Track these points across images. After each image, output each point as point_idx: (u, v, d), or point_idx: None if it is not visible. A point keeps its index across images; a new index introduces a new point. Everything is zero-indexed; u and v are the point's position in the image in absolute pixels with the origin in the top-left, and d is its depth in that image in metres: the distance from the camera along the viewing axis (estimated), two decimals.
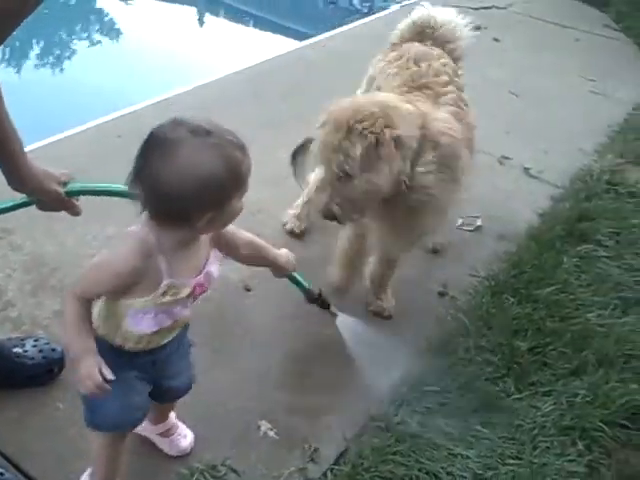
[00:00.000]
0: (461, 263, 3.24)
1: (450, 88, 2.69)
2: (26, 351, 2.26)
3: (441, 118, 2.46)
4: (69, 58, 6.23)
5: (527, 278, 3.12)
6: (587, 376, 2.70)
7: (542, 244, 3.36)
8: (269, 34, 7.12)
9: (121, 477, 1.97)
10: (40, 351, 2.25)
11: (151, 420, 2.12)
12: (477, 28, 5.52)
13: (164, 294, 1.62)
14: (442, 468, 2.30)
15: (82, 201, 1.97)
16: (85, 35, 6.90)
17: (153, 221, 1.58)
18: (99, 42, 6.62)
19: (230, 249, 1.83)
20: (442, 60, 2.81)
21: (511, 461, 2.36)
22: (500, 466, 2.34)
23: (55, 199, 1.85)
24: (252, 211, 3.25)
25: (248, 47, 6.25)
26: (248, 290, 2.84)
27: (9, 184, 1.77)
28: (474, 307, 2.96)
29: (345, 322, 2.41)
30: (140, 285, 1.60)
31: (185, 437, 2.17)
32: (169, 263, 1.60)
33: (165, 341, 1.78)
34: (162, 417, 2.13)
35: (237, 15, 7.48)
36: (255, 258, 1.96)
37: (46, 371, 2.22)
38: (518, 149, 4.24)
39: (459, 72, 2.95)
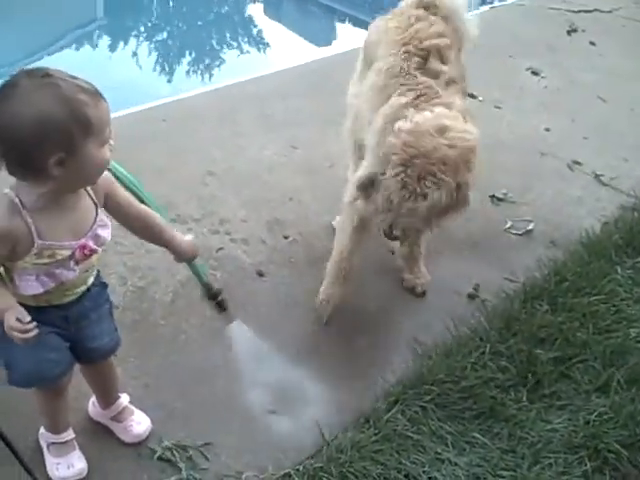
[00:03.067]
0: (500, 267, 3.05)
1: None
2: None
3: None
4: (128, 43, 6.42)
5: (567, 286, 2.89)
6: (613, 394, 2.47)
7: (593, 252, 3.12)
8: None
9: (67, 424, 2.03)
10: None
11: (99, 404, 2.13)
12: (572, 30, 5.30)
13: (39, 256, 1.62)
14: (424, 472, 2.16)
15: None
16: (149, 21, 7.14)
17: (15, 178, 1.58)
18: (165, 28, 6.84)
19: (119, 217, 1.82)
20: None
21: (504, 473, 2.20)
22: (490, 477, 2.17)
23: None
24: (284, 198, 3.21)
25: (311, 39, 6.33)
26: (261, 275, 2.79)
27: None
28: (501, 312, 2.78)
29: (240, 330, 2.20)
30: (17, 247, 1.60)
31: (140, 423, 2.13)
32: (39, 223, 1.60)
33: (68, 299, 1.78)
34: (108, 399, 2.12)
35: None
36: (149, 234, 1.90)
37: None
38: (593, 155, 3.97)
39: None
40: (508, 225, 3.33)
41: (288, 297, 2.72)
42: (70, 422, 2.04)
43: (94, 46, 6.29)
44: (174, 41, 6.89)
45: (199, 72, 6.15)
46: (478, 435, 2.29)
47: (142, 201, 1.91)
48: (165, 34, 6.98)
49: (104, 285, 1.93)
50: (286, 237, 2.99)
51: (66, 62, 5.67)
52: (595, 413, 2.38)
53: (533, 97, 4.48)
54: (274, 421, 2.28)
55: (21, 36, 5.77)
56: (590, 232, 3.27)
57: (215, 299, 2.13)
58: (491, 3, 5.99)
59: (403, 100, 2.39)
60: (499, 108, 4.29)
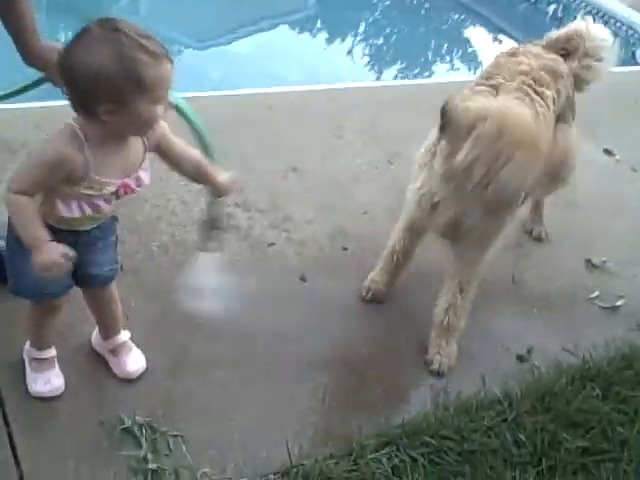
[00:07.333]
0: (566, 335, 2.78)
1: (520, 78, 2.49)
2: None
3: None
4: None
5: (629, 376, 2.60)
6: None
7: None
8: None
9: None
10: None
11: (100, 333, 2.23)
12: None
13: (88, 187, 1.75)
14: None
15: None
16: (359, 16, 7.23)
17: (76, 112, 1.72)
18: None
19: (172, 164, 1.95)
20: (544, 60, 2.64)
21: None
22: None
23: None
24: (359, 210, 3.12)
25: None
26: (303, 280, 2.71)
27: (23, 60, 1.93)
28: (545, 383, 2.53)
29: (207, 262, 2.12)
30: (72, 175, 1.72)
31: (135, 362, 2.22)
32: (94, 158, 1.72)
33: (88, 227, 1.89)
34: (107, 330, 2.21)
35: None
36: (195, 176, 2.00)
37: None
38: None
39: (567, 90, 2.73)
40: (594, 295, 3.04)
41: (326, 310, 2.63)
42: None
43: (300, 33, 6.51)
44: (380, 38, 6.98)
45: (382, 66, 6.26)
46: None
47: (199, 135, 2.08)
48: (371, 30, 7.08)
49: (115, 218, 2.03)
50: (345, 248, 2.89)
51: (263, 44, 6.04)
52: None
53: None
54: (255, 425, 2.20)
55: (226, 14, 6.13)
56: None
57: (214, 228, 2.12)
58: None
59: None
60: (635, 171, 3.94)
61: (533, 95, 2.44)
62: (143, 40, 1.64)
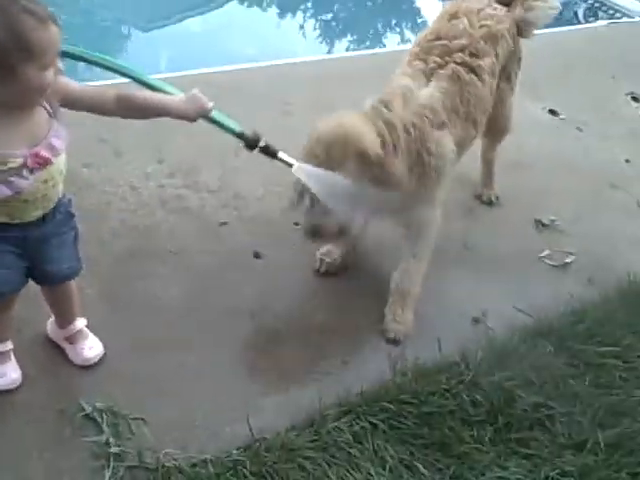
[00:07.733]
0: (518, 296, 2.84)
1: (457, 56, 2.52)
2: None
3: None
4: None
5: (580, 330, 2.67)
6: (590, 455, 2.25)
7: (626, 300, 2.86)
8: None
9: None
10: None
11: (56, 322, 2.22)
12: None
13: None
14: None
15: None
16: None
17: None
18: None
19: (94, 109, 1.88)
20: (486, 22, 2.66)
21: None
22: None
23: None
24: None
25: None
26: (257, 257, 2.73)
27: None
28: (499, 343, 2.59)
29: (304, 169, 2.15)
30: None
31: (91, 348, 2.22)
32: None
33: (30, 217, 1.84)
34: (64, 320, 2.20)
35: None
36: (136, 111, 1.94)
37: None
38: None
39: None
40: (544, 253, 3.10)
41: (276, 282, 2.65)
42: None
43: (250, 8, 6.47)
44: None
45: (334, 38, 6.32)
46: (420, 465, 2.15)
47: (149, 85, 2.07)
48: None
49: (70, 214, 2.01)
50: (296, 224, 2.90)
51: (213, 22, 6.05)
52: (558, 470, 2.18)
53: (623, 124, 4.16)
54: (216, 403, 2.23)
55: None
56: (631, 277, 2.99)
57: (256, 147, 2.09)
58: (612, 17, 5.59)
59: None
60: (580, 130, 4.01)
61: (465, 77, 2.49)
62: (29, 4, 1.60)
